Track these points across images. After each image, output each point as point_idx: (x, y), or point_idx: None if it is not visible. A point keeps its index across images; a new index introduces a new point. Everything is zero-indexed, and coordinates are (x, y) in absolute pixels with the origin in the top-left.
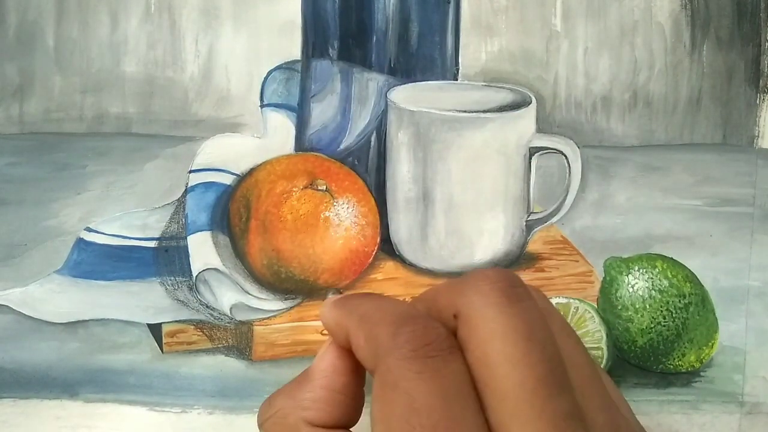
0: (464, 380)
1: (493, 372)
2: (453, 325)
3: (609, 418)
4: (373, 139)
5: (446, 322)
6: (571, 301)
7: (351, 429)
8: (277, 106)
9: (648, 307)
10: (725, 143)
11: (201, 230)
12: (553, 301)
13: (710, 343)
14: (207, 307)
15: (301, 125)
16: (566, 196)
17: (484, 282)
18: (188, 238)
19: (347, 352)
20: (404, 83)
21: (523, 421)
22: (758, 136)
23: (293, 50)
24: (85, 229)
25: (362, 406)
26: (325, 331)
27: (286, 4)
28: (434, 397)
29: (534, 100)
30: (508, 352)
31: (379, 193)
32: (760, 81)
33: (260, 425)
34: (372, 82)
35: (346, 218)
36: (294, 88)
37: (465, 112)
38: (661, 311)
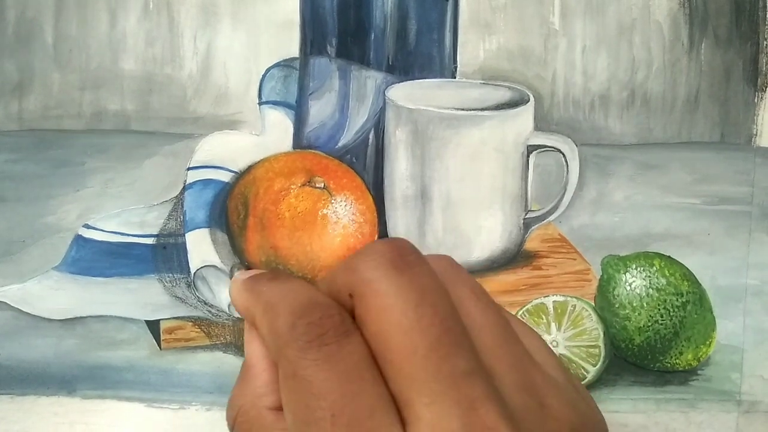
0: (362, 359)
1: (388, 344)
2: (351, 304)
3: (521, 376)
4: (371, 136)
5: (344, 302)
6: (569, 299)
7: None
8: (275, 103)
9: (645, 305)
10: (723, 142)
11: (199, 227)
12: (551, 299)
13: (708, 342)
14: (205, 303)
15: (299, 123)
16: (564, 194)
17: (372, 256)
18: (186, 235)
19: None
20: (402, 81)
21: (420, 385)
22: (756, 135)
23: (291, 48)
24: (83, 226)
25: None
26: None
27: (285, 1)
28: (330, 381)
29: (532, 98)
30: (399, 322)
31: (376, 190)
32: (758, 79)
33: (231, 429)
34: (370, 79)
35: (343, 216)
36: (292, 86)
37: (463, 110)
38: (659, 309)
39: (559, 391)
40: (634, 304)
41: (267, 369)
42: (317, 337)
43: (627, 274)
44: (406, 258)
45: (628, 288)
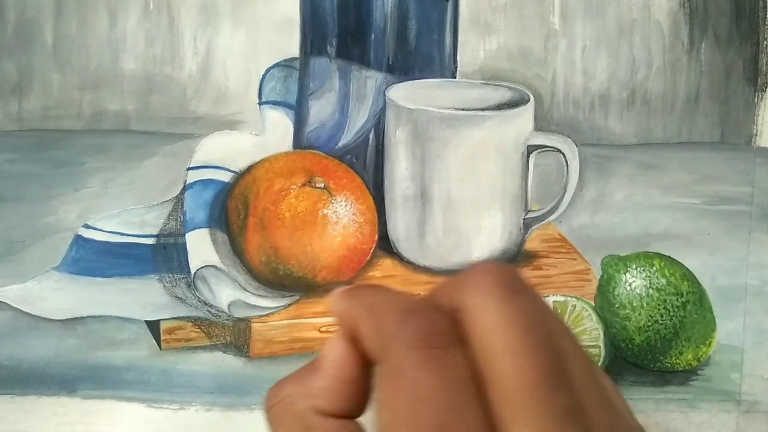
0: (467, 372)
1: (495, 365)
2: (454, 320)
3: (609, 417)
4: (371, 136)
5: (448, 316)
6: (569, 299)
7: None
8: (275, 103)
9: (645, 305)
10: (723, 141)
11: (199, 227)
12: (551, 299)
13: (708, 342)
14: (205, 304)
15: (299, 123)
16: (564, 194)
17: (484, 275)
18: (186, 235)
19: (356, 344)
20: (402, 81)
21: (525, 414)
22: (756, 135)
23: (292, 48)
24: (83, 226)
25: (369, 398)
26: (324, 328)
27: (285, 1)
28: (438, 388)
29: (532, 98)
30: (509, 345)
31: (377, 190)
32: (758, 79)
33: (267, 410)
34: (370, 79)
35: (344, 216)
36: (292, 86)
37: (463, 110)
38: (659, 309)
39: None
40: (634, 304)
41: (335, 377)
42: (427, 336)
43: (627, 274)
44: (518, 282)
45: (628, 288)
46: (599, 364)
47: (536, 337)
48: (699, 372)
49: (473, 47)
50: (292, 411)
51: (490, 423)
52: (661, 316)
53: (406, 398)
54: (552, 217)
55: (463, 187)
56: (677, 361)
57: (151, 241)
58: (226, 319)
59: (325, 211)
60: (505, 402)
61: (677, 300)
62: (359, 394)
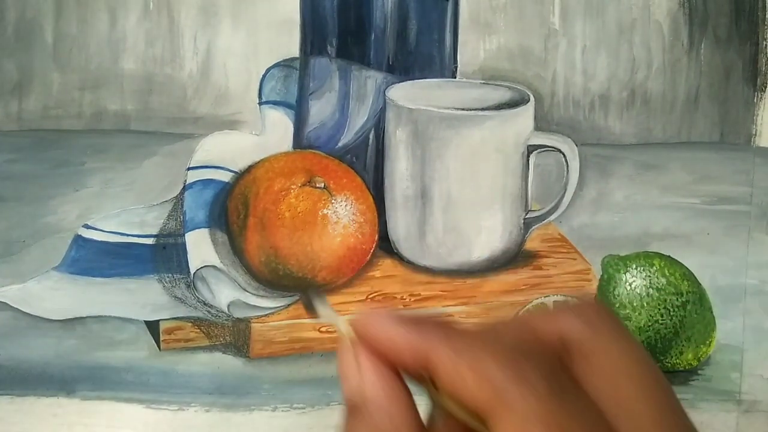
0: (600, 414)
1: (626, 409)
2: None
3: None
4: (371, 136)
5: (546, 350)
6: (569, 299)
7: None
8: (275, 103)
9: (645, 305)
10: (723, 141)
11: (199, 227)
12: (551, 299)
13: (708, 341)
14: (205, 304)
15: (299, 123)
16: (564, 194)
17: (589, 309)
18: (186, 235)
19: (394, 365)
20: (402, 81)
21: None
22: (756, 135)
23: (292, 48)
24: (83, 226)
25: None
26: (324, 328)
27: (285, 1)
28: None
29: (532, 98)
30: (634, 388)
31: (377, 190)
32: (758, 79)
33: None
34: (370, 79)
35: (344, 216)
36: (292, 86)
37: (463, 110)
38: (659, 309)
39: None
40: (635, 304)
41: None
42: (554, 381)
43: (627, 273)
44: (619, 319)
45: (629, 288)
46: None
47: (658, 381)
48: (699, 372)
49: (473, 47)
50: None
51: None
52: (662, 316)
53: None
54: (552, 217)
55: (464, 187)
56: (677, 360)
57: (150, 241)
58: (226, 320)
59: (325, 211)
60: None
61: (677, 300)
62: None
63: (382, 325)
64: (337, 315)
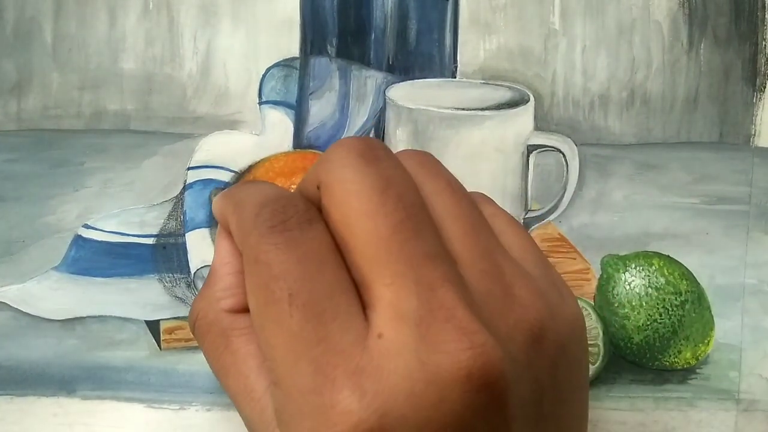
0: (324, 245)
1: (351, 229)
2: (319, 197)
3: (488, 264)
4: (371, 136)
5: (313, 195)
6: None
7: None
8: (275, 103)
9: (644, 304)
10: (722, 141)
11: (199, 227)
12: None
13: (706, 341)
14: None
15: (299, 122)
16: (564, 193)
17: (341, 148)
18: (186, 235)
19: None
20: (402, 81)
21: (380, 266)
22: (755, 135)
23: (292, 47)
24: (83, 226)
25: None
26: None
27: (285, 1)
28: (289, 262)
29: (532, 98)
30: (363, 207)
31: None
32: (757, 80)
33: (193, 333)
34: (370, 79)
35: None
36: (292, 86)
37: (463, 109)
38: (658, 309)
39: (529, 282)
40: (633, 303)
41: (230, 273)
42: (279, 222)
43: (626, 273)
44: (375, 151)
45: (628, 287)
46: (598, 362)
47: (390, 195)
48: (697, 371)
49: (473, 47)
50: (207, 322)
51: (351, 286)
52: (660, 315)
53: (262, 279)
54: (552, 217)
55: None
56: (676, 359)
57: (151, 241)
58: None
59: None
60: (363, 260)
61: (676, 299)
62: None
63: (213, 204)
64: None
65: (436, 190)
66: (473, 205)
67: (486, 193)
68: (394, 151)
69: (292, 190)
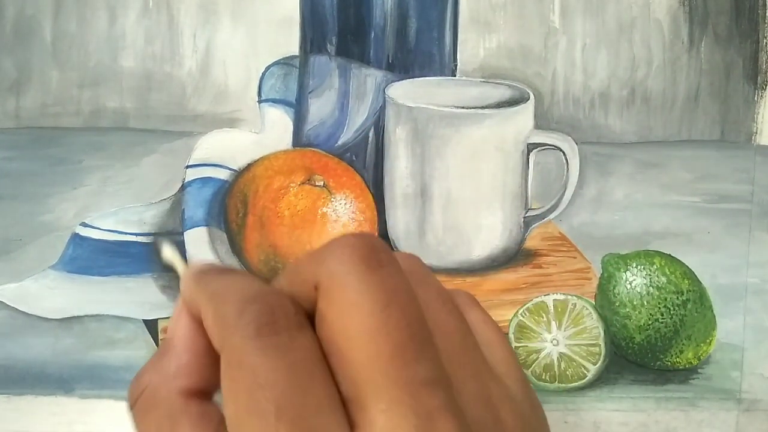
0: (313, 354)
1: (351, 343)
2: (314, 298)
3: (479, 387)
4: (370, 134)
5: (307, 294)
6: (569, 297)
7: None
8: (274, 101)
9: (646, 303)
10: (723, 140)
11: (198, 226)
12: (551, 297)
13: (708, 340)
14: None
15: (298, 121)
16: (564, 192)
17: (343, 249)
18: (185, 233)
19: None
20: (402, 79)
21: (378, 389)
22: (756, 133)
23: (291, 46)
24: (80, 225)
25: None
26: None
27: None
28: (278, 371)
29: (532, 97)
30: (365, 323)
31: (376, 188)
32: (759, 78)
33: (131, 407)
34: (370, 77)
35: (343, 214)
36: (292, 84)
37: (463, 108)
38: (659, 308)
39: (515, 406)
40: (635, 303)
41: (189, 351)
42: (267, 324)
43: (627, 272)
44: (378, 255)
45: (629, 286)
46: (600, 362)
47: (393, 311)
48: (699, 370)
49: (473, 45)
50: (156, 399)
51: (339, 402)
52: (662, 315)
53: (245, 386)
54: (552, 216)
55: (463, 186)
56: (677, 359)
57: (149, 239)
58: None
59: (324, 210)
60: (359, 379)
61: (677, 298)
62: (218, 366)
63: (182, 285)
64: (180, 260)
65: (427, 301)
66: (461, 317)
67: (486, 192)
68: (397, 151)
69: (277, 282)
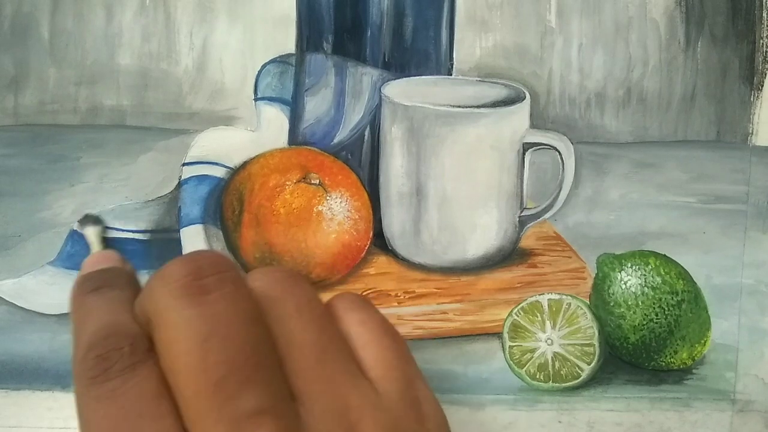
0: (146, 393)
1: (178, 380)
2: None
3: (332, 400)
4: (366, 133)
5: (146, 327)
6: (564, 297)
7: None
8: (271, 99)
9: (640, 303)
10: (719, 140)
11: (194, 223)
12: (546, 297)
13: (702, 341)
14: None
15: (294, 119)
16: (559, 192)
17: (166, 280)
18: (181, 231)
19: None
20: (398, 78)
21: (206, 427)
22: (752, 134)
23: (288, 44)
24: (78, 221)
25: None
26: None
27: None
28: (107, 419)
29: (528, 96)
30: (185, 360)
31: (372, 187)
32: (755, 78)
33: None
34: (366, 76)
35: (338, 212)
36: (288, 82)
37: (459, 107)
38: (654, 308)
39: (378, 414)
40: (629, 303)
41: None
42: (102, 372)
43: (622, 272)
44: (201, 282)
45: (623, 286)
46: (594, 362)
47: (212, 345)
48: (694, 371)
49: (469, 44)
50: None
51: None
52: (656, 315)
53: (92, 425)
54: (547, 215)
55: (459, 185)
56: (672, 360)
57: (145, 236)
58: None
59: (320, 208)
60: (189, 415)
61: (672, 299)
62: None
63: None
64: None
65: (281, 316)
66: (323, 327)
67: (481, 191)
68: (393, 149)
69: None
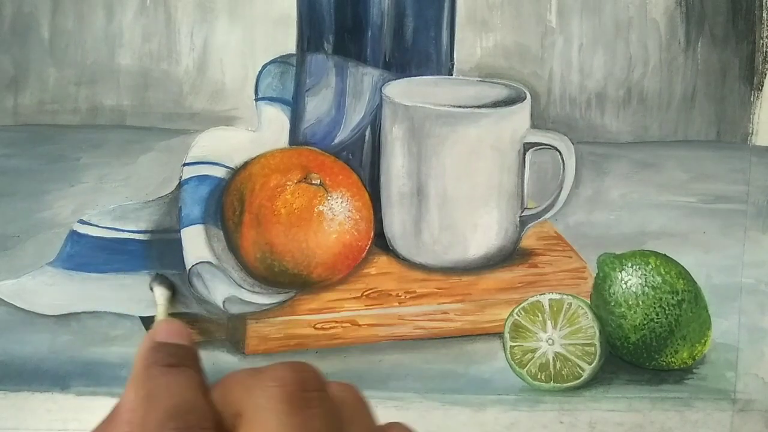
0: None
1: None
2: (236, 422)
3: None
4: (367, 133)
5: (231, 418)
6: (564, 297)
7: None
8: (271, 99)
9: (641, 303)
10: (719, 140)
11: (194, 223)
12: (547, 296)
13: (703, 340)
14: (200, 300)
15: (295, 119)
16: (560, 192)
17: (272, 382)
18: (182, 231)
19: None
20: (399, 78)
21: None
22: (752, 134)
23: (288, 44)
24: (78, 222)
25: None
26: (319, 325)
27: None
28: None
29: (528, 96)
30: None
31: (373, 187)
32: (755, 78)
33: None
34: (367, 76)
35: (339, 212)
36: (289, 82)
37: (460, 107)
38: (654, 308)
39: None
40: (630, 303)
41: None
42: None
43: (623, 272)
44: (305, 394)
45: (624, 286)
46: (595, 362)
47: None
48: (694, 371)
49: (470, 44)
50: None
51: None
52: (657, 315)
53: None
54: (548, 215)
55: (459, 185)
56: (672, 359)
57: (146, 236)
58: (221, 316)
59: (320, 208)
60: None
61: (673, 298)
62: None
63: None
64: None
65: None
66: None
67: (482, 191)
68: (394, 149)
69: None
